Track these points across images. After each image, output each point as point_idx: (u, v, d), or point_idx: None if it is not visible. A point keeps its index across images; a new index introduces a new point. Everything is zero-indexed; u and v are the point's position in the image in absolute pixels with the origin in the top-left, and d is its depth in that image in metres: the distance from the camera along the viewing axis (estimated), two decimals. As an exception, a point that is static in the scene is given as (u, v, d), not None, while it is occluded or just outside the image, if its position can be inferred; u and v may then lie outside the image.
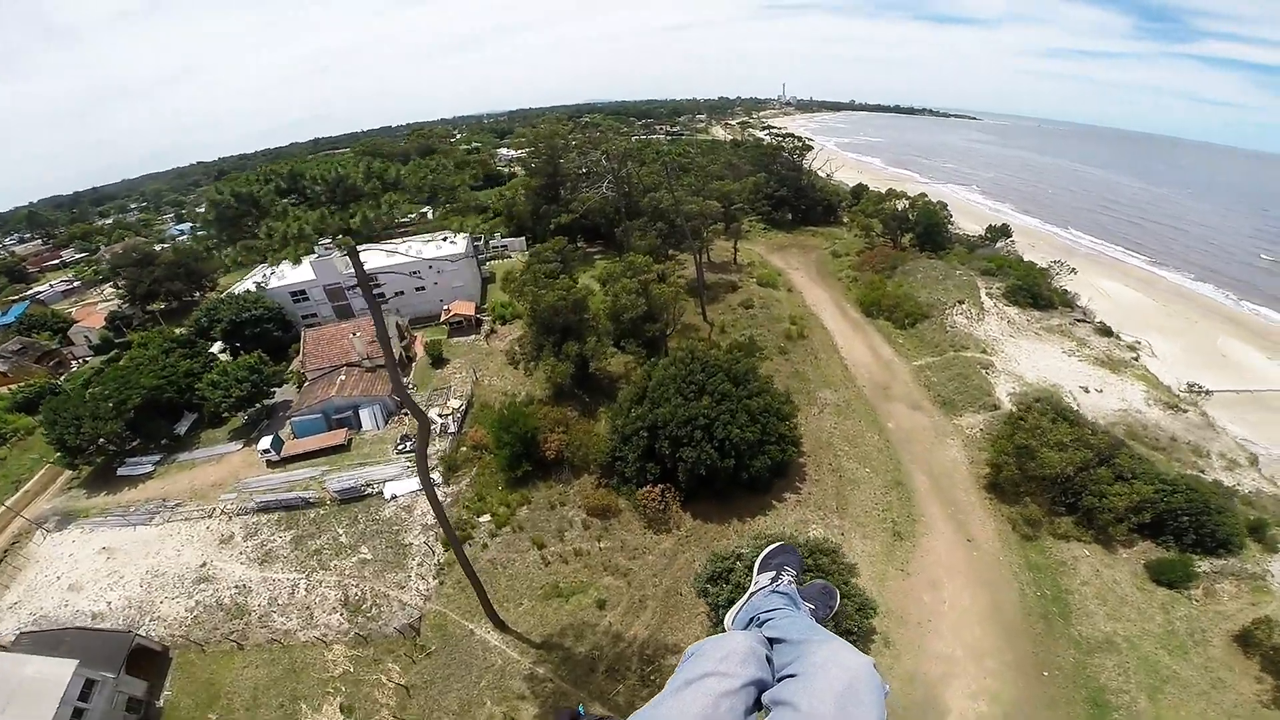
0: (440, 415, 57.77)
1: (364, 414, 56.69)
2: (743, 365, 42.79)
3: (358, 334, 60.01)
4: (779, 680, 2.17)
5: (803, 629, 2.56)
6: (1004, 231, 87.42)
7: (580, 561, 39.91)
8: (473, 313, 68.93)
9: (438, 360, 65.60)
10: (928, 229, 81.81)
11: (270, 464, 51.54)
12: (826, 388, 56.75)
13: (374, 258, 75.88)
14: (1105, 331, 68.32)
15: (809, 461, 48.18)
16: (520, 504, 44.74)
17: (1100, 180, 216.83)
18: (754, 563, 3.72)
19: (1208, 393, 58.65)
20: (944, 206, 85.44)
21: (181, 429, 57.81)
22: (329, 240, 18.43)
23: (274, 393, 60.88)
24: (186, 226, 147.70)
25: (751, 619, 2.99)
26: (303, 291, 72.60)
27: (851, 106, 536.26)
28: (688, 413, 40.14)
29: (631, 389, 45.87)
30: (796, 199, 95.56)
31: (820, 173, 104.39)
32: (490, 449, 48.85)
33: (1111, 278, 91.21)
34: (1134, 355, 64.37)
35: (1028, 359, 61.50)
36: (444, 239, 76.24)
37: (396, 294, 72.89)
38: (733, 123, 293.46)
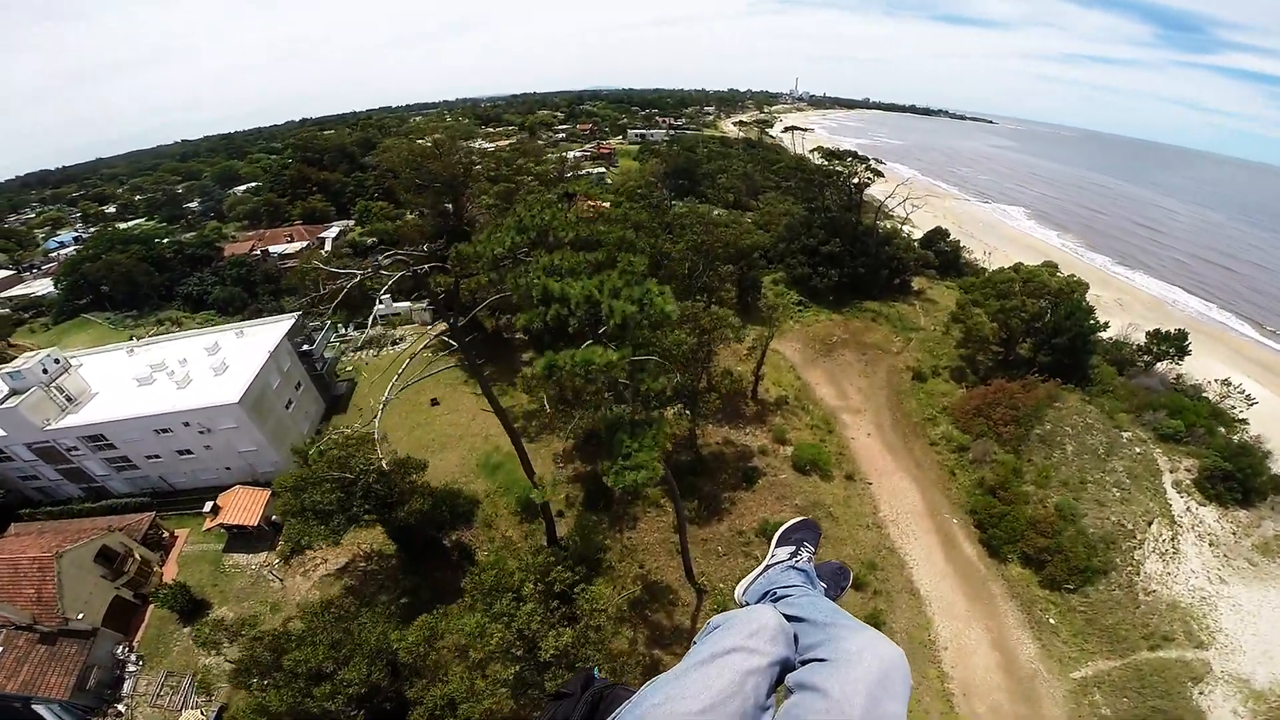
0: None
1: (44, 710, 28.25)
2: None
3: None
4: (804, 663, 1.91)
5: (827, 611, 2.23)
6: (1178, 345, 51.38)
7: None
8: (258, 518, 34.47)
9: (190, 609, 32.66)
10: (1073, 341, 46.59)
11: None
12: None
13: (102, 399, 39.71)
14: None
15: None
16: None
17: (1136, 199, 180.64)
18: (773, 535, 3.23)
19: None
20: (1085, 288, 49.94)
21: None
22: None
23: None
24: (70, 237, 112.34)
25: (766, 593, 2.68)
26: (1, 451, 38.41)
27: (866, 105, 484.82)
28: None
29: None
30: (853, 255, 58.23)
31: (895, 213, 65.01)
32: None
33: (1234, 364, 59.05)
34: None
35: (1251, 630, 30.73)
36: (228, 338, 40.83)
37: (149, 458, 38.73)
38: (746, 119, 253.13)
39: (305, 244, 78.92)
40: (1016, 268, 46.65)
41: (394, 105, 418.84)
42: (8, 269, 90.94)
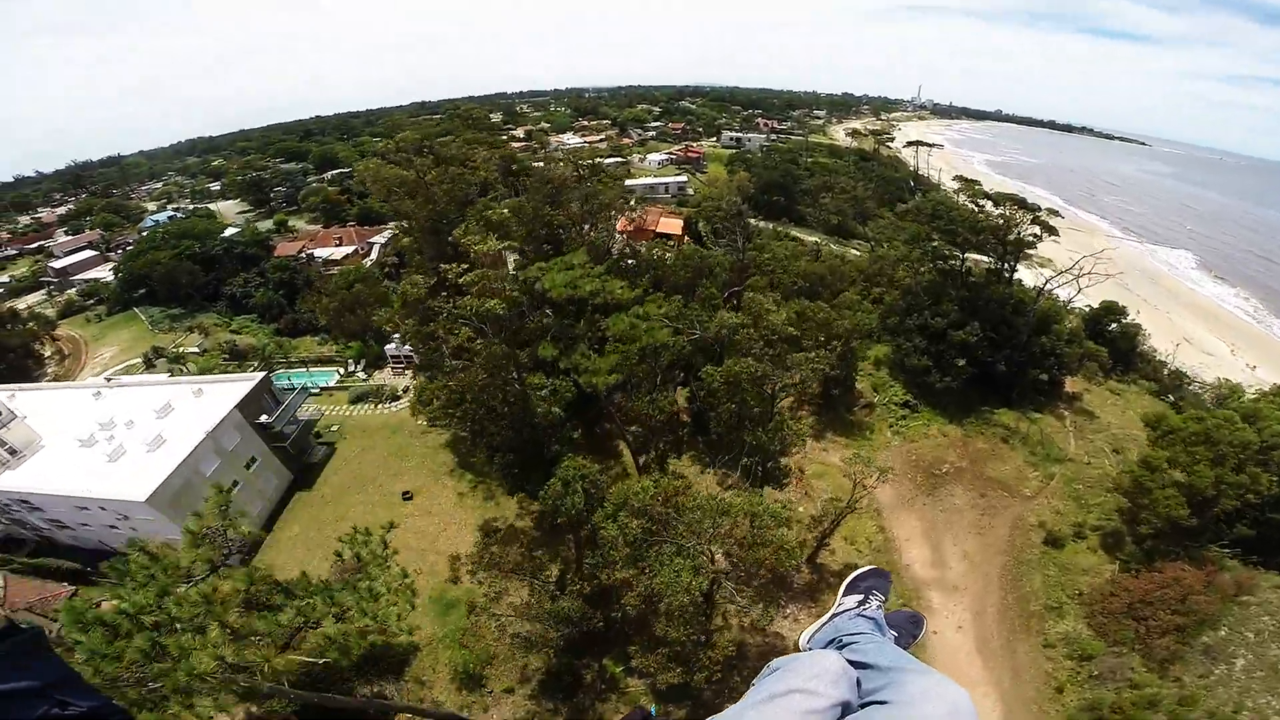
0: None
1: None
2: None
3: None
4: (865, 705, 1.86)
5: (893, 656, 2.16)
6: None
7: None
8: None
9: None
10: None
11: None
12: None
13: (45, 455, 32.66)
14: None
15: None
16: None
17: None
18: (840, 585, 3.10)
19: None
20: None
21: None
22: None
23: None
24: (164, 216, 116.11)
25: (832, 640, 2.62)
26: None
27: (997, 117, 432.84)
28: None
29: None
30: (994, 345, 42.34)
31: (1063, 286, 43.97)
32: None
33: None
34: None
35: None
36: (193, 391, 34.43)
37: (81, 524, 33.37)
38: (860, 127, 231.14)
39: (353, 248, 74.24)
40: (1251, 418, 31.07)
41: (508, 92, 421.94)
42: (95, 249, 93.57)
